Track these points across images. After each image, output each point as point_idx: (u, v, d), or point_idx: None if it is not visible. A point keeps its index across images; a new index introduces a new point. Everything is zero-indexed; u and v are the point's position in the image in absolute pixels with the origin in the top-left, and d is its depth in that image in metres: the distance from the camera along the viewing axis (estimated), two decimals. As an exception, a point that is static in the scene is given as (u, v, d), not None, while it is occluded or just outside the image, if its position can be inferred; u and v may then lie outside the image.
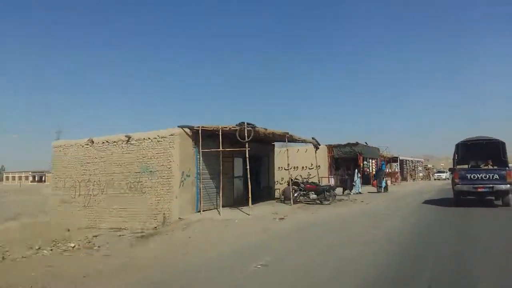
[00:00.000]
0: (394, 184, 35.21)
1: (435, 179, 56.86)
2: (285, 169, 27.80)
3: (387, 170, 36.42)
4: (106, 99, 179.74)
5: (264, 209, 13.74)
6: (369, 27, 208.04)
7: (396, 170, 37.66)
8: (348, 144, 28.41)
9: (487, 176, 13.30)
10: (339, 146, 28.75)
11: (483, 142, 14.47)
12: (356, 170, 23.81)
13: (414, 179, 45.13)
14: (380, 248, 7.11)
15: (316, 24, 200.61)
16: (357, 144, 28.15)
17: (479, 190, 13.31)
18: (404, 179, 43.80)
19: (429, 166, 79.55)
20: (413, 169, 45.51)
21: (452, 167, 15.72)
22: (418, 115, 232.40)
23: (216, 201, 13.80)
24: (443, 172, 56.76)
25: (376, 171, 25.41)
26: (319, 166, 29.25)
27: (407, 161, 42.46)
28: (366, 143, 33.92)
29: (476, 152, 15.01)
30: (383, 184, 23.86)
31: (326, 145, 29.13)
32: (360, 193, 23.26)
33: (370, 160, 31.35)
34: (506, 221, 11.06)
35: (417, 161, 49.24)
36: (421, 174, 51.19)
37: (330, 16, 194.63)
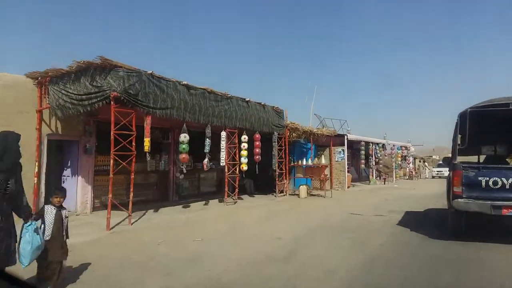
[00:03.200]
0: (315, 194, 15.72)
1: (433, 177, 37.36)
2: None
3: (301, 163, 16.64)
4: None
5: None
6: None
7: (330, 162, 17.87)
8: (95, 70, 8.73)
9: None
10: (62, 78, 9.12)
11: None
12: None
13: (385, 179, 25.06)
14: None
15: None
16: (138, 73, 8.40)
17: (505, 211, 6.08)
18: (360, 179, 24.05)
19: (434, 157, 59.64)
20: (386, 162, 25.34)
21: (448, 156, 7.88)
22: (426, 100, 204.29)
23: None
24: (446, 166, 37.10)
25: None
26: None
27: (373, 146, 22.60)
28: (317, 115, 14.41)
29: (498, 129, 7.75)
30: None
31: (27, 74, 9.79)
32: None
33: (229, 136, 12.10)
34: None
35: (399, 147, 28.76)
36: (407, 169, 31.14)
37: None
